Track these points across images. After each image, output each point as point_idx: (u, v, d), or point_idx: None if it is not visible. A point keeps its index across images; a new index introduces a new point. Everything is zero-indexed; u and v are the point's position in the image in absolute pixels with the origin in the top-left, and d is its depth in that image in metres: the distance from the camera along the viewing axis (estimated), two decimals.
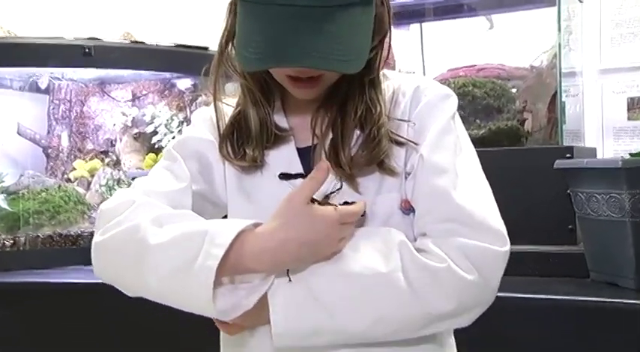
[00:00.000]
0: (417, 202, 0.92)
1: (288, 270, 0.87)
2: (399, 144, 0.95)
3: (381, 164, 0.93)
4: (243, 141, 0.98)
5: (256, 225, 0.86)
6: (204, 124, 1.03)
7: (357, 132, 0.95)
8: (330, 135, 0.95)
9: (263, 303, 0.87)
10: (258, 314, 0.87)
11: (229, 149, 0.99)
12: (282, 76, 0.93)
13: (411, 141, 0.95)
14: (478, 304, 0.89)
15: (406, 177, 0.95)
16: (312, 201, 0.87)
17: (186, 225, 0.86)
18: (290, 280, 0.86)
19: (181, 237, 0.84)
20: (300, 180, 0.94)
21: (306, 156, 0.97)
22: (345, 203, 0.90)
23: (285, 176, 0.96)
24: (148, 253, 0.85)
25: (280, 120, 1.00)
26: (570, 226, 1.77)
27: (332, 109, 0.96)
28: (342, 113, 0.95)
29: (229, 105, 1.02)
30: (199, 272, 0.82)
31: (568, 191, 1.71)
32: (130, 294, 0.93)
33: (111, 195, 2.48)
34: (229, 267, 0.83)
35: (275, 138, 0.98)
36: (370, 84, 0.96)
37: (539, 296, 1.53)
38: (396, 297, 0.85)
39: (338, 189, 0.93)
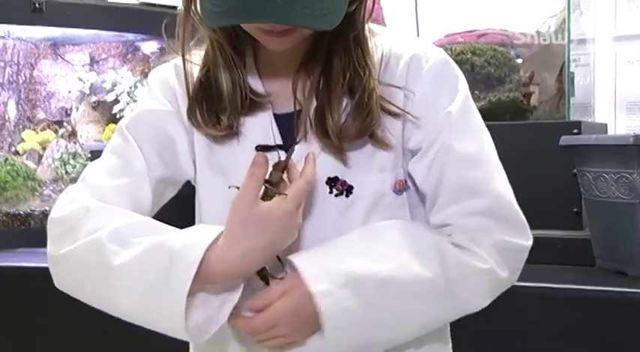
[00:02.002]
0: (442, 192, 0.94)
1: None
2: (394, 114, 0.96)
3: (373, 136, 0.95)
4: (215, 106, 0.98)
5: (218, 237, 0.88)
6: (160, 89, 1.03)
7: (345, 99, 0.95)
8: (314, 101, 0.96)
9: (308, 316, 0.89)
10: (303, 328, 0.90)
11: (199, 116, 0.99)
12: (253, 26, 0.93)
13: (408, 113, 0.95)
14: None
15: (405, 154, 0.97)
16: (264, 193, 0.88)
17: (148, 242, 0.88)
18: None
19: (145, 257, 0.87)
20: (278, 152, 0.95)
21: (286, 122, 0.97)
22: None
23: (262, 148, 0.96)
24: (113, 275, 0.88)
25: (255, 83, 0.99)
26: (575, 209, 1.81)
27: (314, 71, 0.97)
28: (327, 76, 0.96)
29: (195, 64, 1.01)
30: (170, 294, 0.85)
31: (574, 170, 1.75)
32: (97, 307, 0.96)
33: (66, 170, 2.51)
34: (197, 283, 0.86)
35: (250, 103, 0.98)
36: (355, 42, 0.95)
37: (541, 284, 1.56)
38: (441, 302, 0.92)
39: (285, 160, 0.92)
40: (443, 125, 0.95)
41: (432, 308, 0.92)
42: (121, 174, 0.98)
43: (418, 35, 2.31)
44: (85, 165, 2.48)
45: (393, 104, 0.96)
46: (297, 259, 0.90)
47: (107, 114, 2.60)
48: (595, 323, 1.51)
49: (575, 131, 1.81)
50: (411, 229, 0.95)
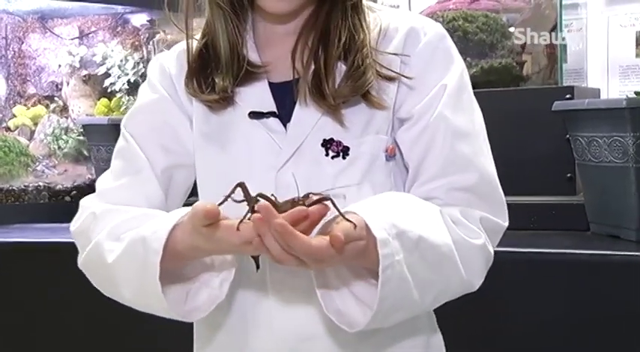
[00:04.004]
0: (428, 164, 0.95)
1: None
2: (389, 78, 0.97)
3: (367, 97, 0.95)
4: (212, 71, 0.99)
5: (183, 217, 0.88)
6: (157, 77, 1.05)
7: (341, 63, 0.97)
8: (312, 67, 0.97)
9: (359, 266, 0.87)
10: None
11: (195, 83, 1.00)
12: None
13: (404, 76, 0.96)
14: None
15: (396, 120, 0.98)
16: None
17: (132, 235, 0.91)
18: None
19: (129, 249, 0.90)
20: (272, 120, 0.97)
21: (282, 91, 0.99)
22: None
23: (255, 115, 0.97)
24: (111, 272, 0.93)
25: (252, 54, 1.01)
26: (569, 174, 1.81)
27: (313, 40, 0.98)
28: (324, 43, 0.97)
29: (198, 40, 1.03)
30: (148, 281, 0.88)
31: (567, 136, 1.75)
32: None
33: (58, 145, 2.50)
34: (173, 264, 0.89)
35: (245, 72, 0.99)
36: (353, 9, 0.97)
37: (536, 250, 1.57)
38: (451, 273, 0.90)
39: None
40: (437, 97, 0.96)
41: (446, 277, 0.90)
42: (125, 174, 1.01)
43: (410, 1, 2.30)
44: (77, 140, 2.49)
45: (389, 68, 0.97)
46: (356, 208, 0.85)
47: (99, 87, 2.59)
48: (590, 287, 1.51)
49: (568, 96, 1.80)
50: (417, 201, 0.93)
